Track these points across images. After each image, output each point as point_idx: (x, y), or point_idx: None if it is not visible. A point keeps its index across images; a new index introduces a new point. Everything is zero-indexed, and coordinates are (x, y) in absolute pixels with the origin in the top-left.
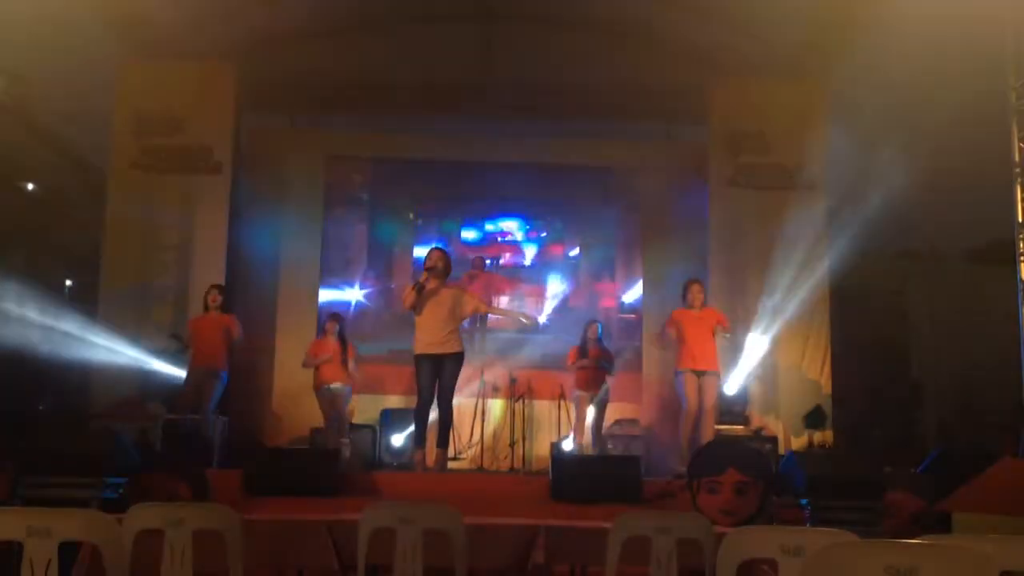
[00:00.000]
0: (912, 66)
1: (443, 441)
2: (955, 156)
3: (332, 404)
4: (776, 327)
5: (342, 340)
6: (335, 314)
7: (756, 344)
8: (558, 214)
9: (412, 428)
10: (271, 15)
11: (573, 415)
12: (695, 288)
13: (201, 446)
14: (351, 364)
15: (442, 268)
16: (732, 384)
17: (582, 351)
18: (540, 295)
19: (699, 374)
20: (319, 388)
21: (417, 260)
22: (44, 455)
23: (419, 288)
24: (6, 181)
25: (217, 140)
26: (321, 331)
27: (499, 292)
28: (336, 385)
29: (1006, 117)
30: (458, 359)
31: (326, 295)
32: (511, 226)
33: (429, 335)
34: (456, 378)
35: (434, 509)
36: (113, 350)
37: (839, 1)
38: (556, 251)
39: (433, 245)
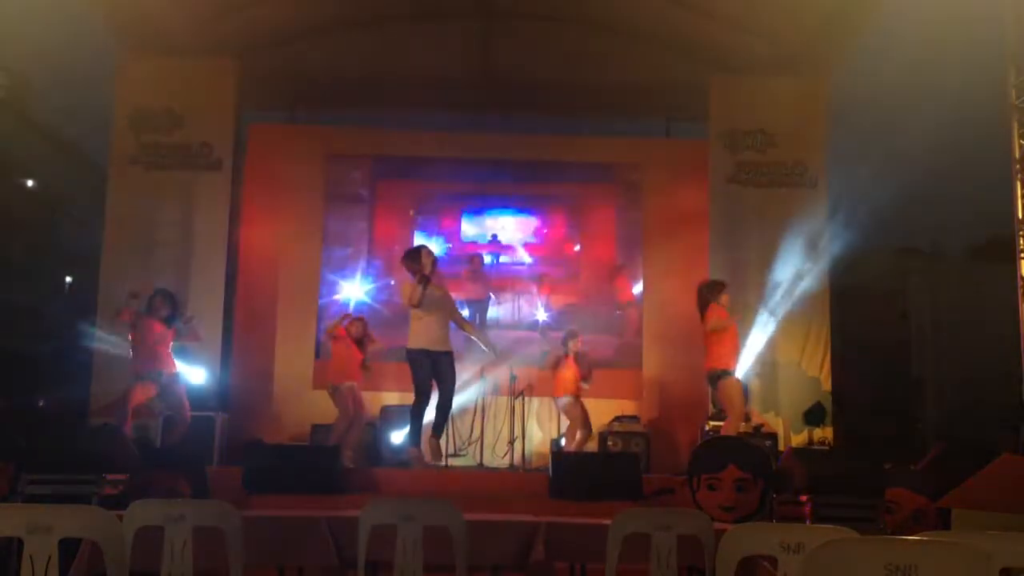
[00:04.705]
0: (912, 63)
1: (439, 429)
2: (955, 153)
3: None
4: (776, 324)
5: (361, 343)
6: (359, 318)
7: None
8: (558, 211)
9: (410, 425)
10: (271, 12)
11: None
12: (725, 291)
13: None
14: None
15: (437, 267)
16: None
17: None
18: (540, 292)
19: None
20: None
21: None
22: (44, 452)
23: (424, 283)
24: (6, 177)
25: (217, 137)
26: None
27: (499, 289)
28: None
29: (1006, 114)
30: (452, 357)
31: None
32: (511, 223)
33: (430, 332)
34: (455, 374)
35: (434, 506)
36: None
37: (840, 0)
38: (556, 248)
39: (420, 244)
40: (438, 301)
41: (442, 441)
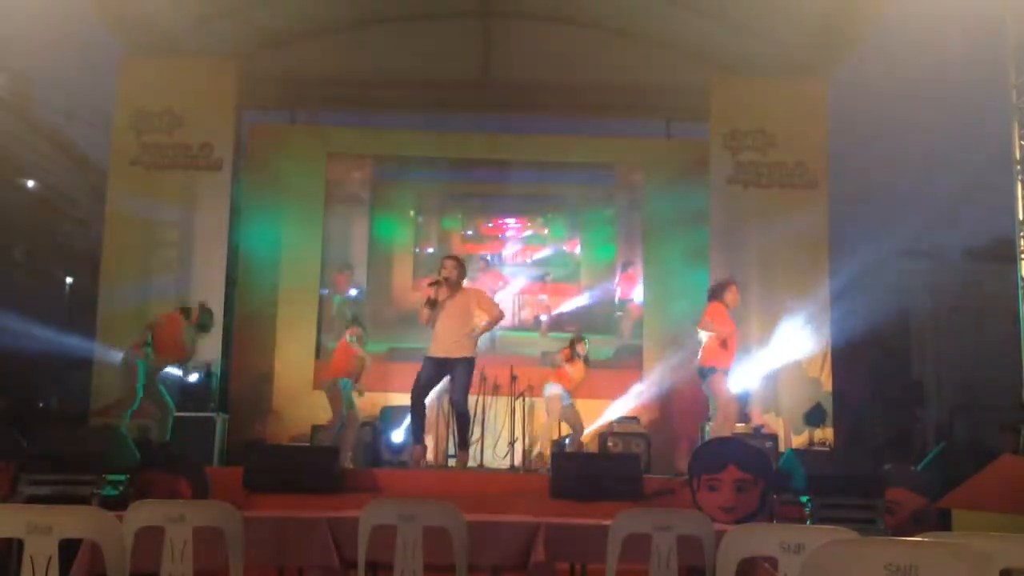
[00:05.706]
0: (913, 64)
1: (463, 443)
2: (956, 154)
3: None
4: (777, 324)
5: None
6: (355, 318)
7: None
8: (559, 211)
9: (409, 423)
10: (271, 12)
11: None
12: (734, 288)
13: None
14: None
15: (456, 277)
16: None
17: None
18: (541, 292)
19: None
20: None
21: (418, 258)
22: (45, 452)
23: (431, 303)
24: (7, 178)
25: (218, 137)
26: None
27: (501, 289)
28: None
29: (1007, 115)
30: (468, 364)
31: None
32: (512, 223)
33: (439, 341)
34: (467, 383)
35: (435, 506)
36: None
37: (841, 0)
38: (557, 248)
39: (448, 254)
40: (450, 310)
41: (430, 440)
